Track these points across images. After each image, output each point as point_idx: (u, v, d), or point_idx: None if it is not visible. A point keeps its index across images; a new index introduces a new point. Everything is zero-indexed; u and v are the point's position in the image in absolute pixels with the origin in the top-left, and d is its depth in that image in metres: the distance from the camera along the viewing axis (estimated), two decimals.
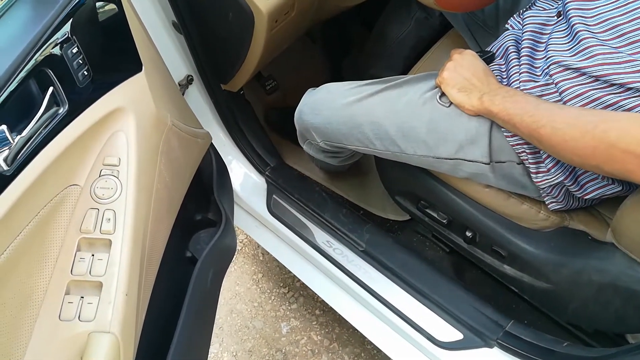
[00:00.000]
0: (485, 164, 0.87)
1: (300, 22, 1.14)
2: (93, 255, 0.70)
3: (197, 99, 1.27)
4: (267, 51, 1.09)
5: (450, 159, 0.88)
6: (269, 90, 1.43)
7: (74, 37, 0.70)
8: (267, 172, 1.35)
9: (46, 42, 0.66)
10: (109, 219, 0.72)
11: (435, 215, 1.03)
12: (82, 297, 0.68)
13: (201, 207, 1.14)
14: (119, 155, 0.76)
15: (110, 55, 0.78)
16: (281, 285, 1.56)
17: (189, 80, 1.22)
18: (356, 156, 1.15)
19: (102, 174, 0.74)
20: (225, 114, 1.30)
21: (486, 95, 0.82)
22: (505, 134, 0.84)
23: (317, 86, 1.04)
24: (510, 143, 0.85)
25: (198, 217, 1.13)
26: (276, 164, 1.37)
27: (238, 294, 1.55)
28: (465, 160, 0.88)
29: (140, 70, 0.82)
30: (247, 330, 1.48)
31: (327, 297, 1.26)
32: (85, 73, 0.72)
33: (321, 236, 1.22)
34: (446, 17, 1.19)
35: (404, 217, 1.30)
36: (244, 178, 1.35)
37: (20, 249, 0.62)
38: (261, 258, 1.63)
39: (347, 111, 0.92)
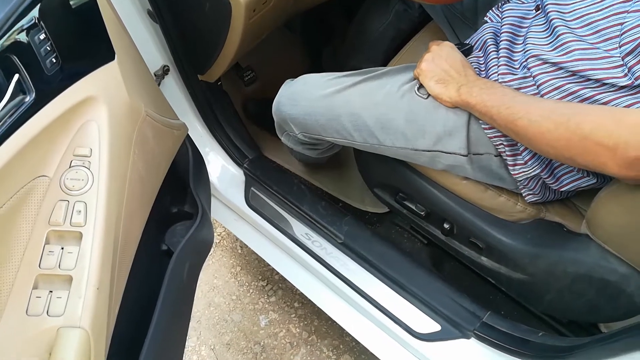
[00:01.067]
0: (463, 155, 0.87)
1: (279, 11, 1.12)
2: (63, 248, 0.68)
3: (174, 90, 1.25)
4: (244, 41, 1.07)
5: (429, 151, 0.88)
6: (247, 81, 1.41)
7: (41, 22, 0.67)
8: (245, 165, 1.34)
9: (11, 27, 0.64)
10: (80, 211, 0.70)
11: (413, 207, 1.03)
12: (51, 292, 0.66)
13: (177, 199, 1.12)
14: (90, 145, 0.73)
15: (80, 42, 0.76)
16: (260, 278, 1.55)
17: (165, 71, 1.20)
18: (335, 148, 1.14)
19: (72, 164, 0.72)
20: (202, 105, 1.28)
21: (464, 87, 0.82)
22: (483, 126, 0.84)
23: (297, 77, 1.03)
24: (488, 135, 0.85)
25: (174, 209, 1.11)
26: (254, 156, 1.36)
27: (216, 287, 1.54)
28: (443, 152, 0.88)
29: (112, 58, 0.80)
30: (225, 324, 1.47)
31: (305, 289, 1.25)
32: (54, 60, 0.69)
33: (300, 229, 1.21)
34: (425, 9, 1.19)
35: (383, 209, 1.30)
36: (222, 170, 1.33)
37: None
38: (240, 251, 1.61)
39: (326, 102, 0.91)
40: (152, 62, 1.17)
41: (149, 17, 1.10)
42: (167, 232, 1.08)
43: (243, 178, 1.34)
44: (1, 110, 0.62)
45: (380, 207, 1.31)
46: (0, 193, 0.62)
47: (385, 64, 1.31)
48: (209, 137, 1.32)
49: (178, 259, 0.97)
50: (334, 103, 0.91)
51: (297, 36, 1.60)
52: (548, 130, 0.69)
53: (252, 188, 1.32)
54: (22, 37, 0.65)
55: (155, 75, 1.19)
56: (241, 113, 1.48)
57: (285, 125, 1.03)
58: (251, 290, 1.53)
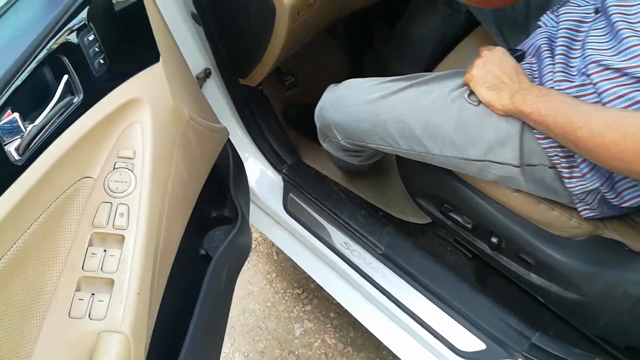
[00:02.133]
0: (515, 166, 0.83)
1: (323, 15, 1.10)
2: (105, 251, 0.67)
3: (215, 93, 1.25)
4: (287, 45, 1.06)
5: (479, 161, 0.84)
6: (288, 85, 1.39)
7: (90, 24, 0.67)
8: (284, 170, 1.32)
9: (62, 29, 0.64)
10: (122, 214, 0.69)
11: (459, 219, 0.99)
12: (93, 294, 0.65)
13: (217, 203, 1.12)
14: (134, 147, 0.73)
15: (127, 44, 0.75)
16: (295, 285, 1.53)
17: (206, 74, 1.19)
18: (377, 155, 1.11)
19: (116, 166, 0.71)
20: (242, 109, 1.27)
21: (517, 95, 0.78)
22: (537, 136, 0.80)
23: (338, 82, 1.00)
24: (542, 146, 0.80)
25: (213, 214, 1.11)
26: (293, 161, 1.34)
27: (251, 293, 1.52)
28: (494, 162, 0.83)
29: (157, 60, 0.79)
30: (260, 331, 1.45)
31: (342, 299, 1.22)
32: (102, 61, 0.69)
33: (338, 237, 1.19)
34: (473, 14, 1.15)
35: (425, 219, 1.26)
36: (260, 175, 1.32)
37: (30, 243, 0.60)
38: (275, 257, 1.60)
39: (371, 108, 0.89)
40: (194, 65, 1.17)
41: (192, 20, 1.10)
42: (206, 236, 1.07)
43: (281, 184, 1.32)
44: (50, 110, 0.61)
45: (422, 218, 1.27)
46: (48, 194, 0.62)
47: (429, 70, 1.27)
48: (248, 142, 1.31)
49: (217, 264, 0.96)
50: (379, 109, 0.88)
51: (338, 40, 1.58)
52: (613, 142, 0.65)
53: (290, 194, 1.30)
54: (72, 38, 0.65)
55: (197, 78, 1.18)
56: (281, 118, 1.47)
57: (328, 131, 1.01)
58: (286, 298, 1.51)
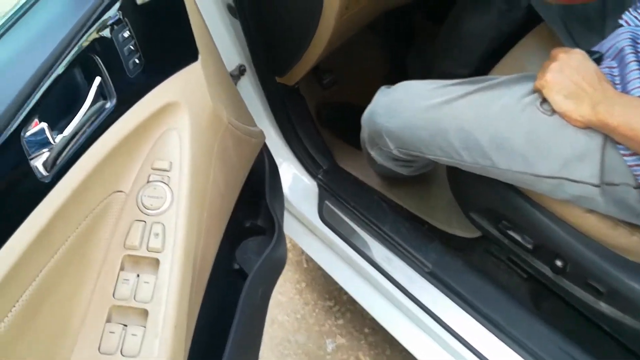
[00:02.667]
0: (594, 185, 0.73)
1: (371, 9, 1.01)
2: (138, 276, 0.60)
3: (248, 92, 1.16)
4: (332, 42, 0.97)
5: (552, 178, 0.75)
6: (325, 84, 1.30)
7: (125, 19, 0.59)
8: (319, 175, 1.24)
9: (94, 24, 0.56)
10: (157, 234, 0.61)
11: (519, 238, 0.90)
12: (125, 327, 0.58)
13: (251, 212, 1.04)
14: (170, 158, 0.65)
15: (164, 40, 0.67)
16: (327, 297, 1.44)
17: (241, 71, 1.11)
18: (430, 165, 1.02)
19: (150, 179, 0.63)
20: (277, 110, 1.18)
21: (601, 105, 0.68)
22: (622, 152, 0.70)
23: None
24: (628, 163, 0.70)
25: (247, 223, 1.03)
26: (329, 166, 1.26)
27: (280, 304, 1.45)
28: (569, 180, 0.74)
29: (196, 59, 0.71)
30: (289, 345, 1.38)
31: (381, 317, 1.14)
32: (137, 61, 0.61)
33: (379, 251, 1.10)
34: (537, 10, 1.05)
35: (473, 233, 1.17)
36: (294, 181, 1.24)
37: (58, 268, 0.52)
38: (305, 266, 1.52)
39: (430, 115, 0.79)
40: (228, 61, 1.09)
41: (228, 12, 1.02)
42: (239, 247, 1.00)
43: (316, 190, 1.24)
44: (81, 118, 0.53)
45: (470, 231, 1.18)
46: (77, 213, 0.54)
47: (481, 70, 1.18)
48: (282, 145, 1.23)
49: (252, 282, 0.88)
50: (440, 116, 0.79)
51: (377, 36, 1.49)
52: None
53: (326, 201, 1.22)
54: (106, 34, 0.57)
55: (231, 75, 1.10)
56: (315, 118, 1.38)
57: (379, 139, 0.92)
58: (317, 310, 1.42)
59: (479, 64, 1.19)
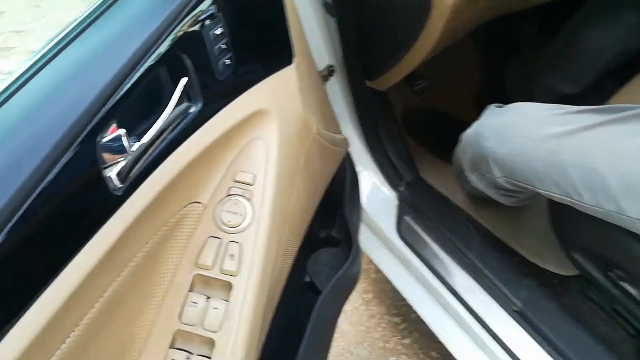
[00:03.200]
0: None
1: (481, 15, 0.91)
2: (208, 299, 0.54)
3: (335, 94, 1.09)
4: (434, 49, 0.87)
5: None
6: (417, 90, 1.21)
7: (219, 13, 0.53)
8: (400, 187, 1.15)
9: (185, 17, 0.50)
10: (233, 256, 0.55)
11: (634, 293, 0.77)
12: (190, 355, 0.52)
13: (326, 222, 0.97)
14: (254, 171, 0.59)
15: (259, 41, 0.61)
16: (394, 312, 1.36)
17: (329, 72, 1.04)
18: (538, 197, 0.90)
19: (230, 192, 0.58)
20: (363, 115, 1.10)
21: None
22: None
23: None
24: None
25: (322, 234, 0.96)
26: (412, 178, 1.17)
27: (344, 311, 1.37)
28: None
29: (290, 62, 0.64)
30: (350, 357, 1.31)
31: (454, 348, 1.04)
32: (228, 62, 0.55)
33: (461, 279, 1.00)
34: None
35: (569, 271, 1.04)
36: (374, 191, 1.16)
37: (124, 286, 0.47)
38: (373, 275, 1.44)
39: (548, 145, 0.68)
40: (318, 61, 1.02)
41: (324, 9, 0.94)
42: (310, 258, 0.94)
43: (396, 203, 1.15)
44: (163, 123, 0.48)
45: (565, 268, 1.05)
46: (150, 227, 0.50)
47: (595, 90, 1.04)
48: (364, 152, 1.15)
49: (325, 301, 0.81)
50: (560, 147, 0.68)
51: (476, 41, 1.36)
52: None
53: (405, 216, 1.13)
54: (196, 30, 0.51)
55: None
56: (400, 125, 1.29)
57: (482, 164, 0.81)
58: (383, 325, 1.34)
59: (593, 82, 1.05)
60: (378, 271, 1.42)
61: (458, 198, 1.18)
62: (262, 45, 0.61)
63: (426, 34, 0.83)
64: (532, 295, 0.92)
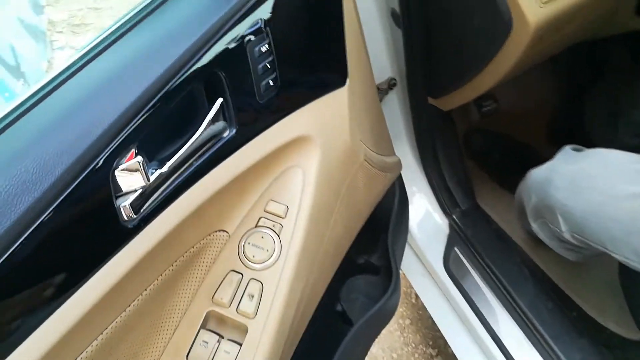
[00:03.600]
0: None
1: (568, 40, 0.81)
2: (220, 340, 0.49)
3: (393, 109, 1.02)
4: (510, 73, 0.78)
5: None
6: (485, 112, 1.11)
7: (267, 28, 0.47)
8: (453, 215, 1.07)
9: (228, 32, 0.45)
10: (252, 296, 0.50)
11: None
12: None
13: (367, 247, 0.91)
14: (287, 202, 0.53)
15: (309, 60, 0.55)
16: (430, 344, 1.28)
17: (390, 85, 0.97)
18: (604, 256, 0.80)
19: (259, 224, 0.53)
20: (422, 134, 1.03)
21: None
22: None
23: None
24: None
25: (360, 260, 0.90)
26: (468, 207, 1.08)
27: None
28: None
29: (343, 83, 0.58)
30: None
31: None
32: (271, 83, 0.49)
33: (508, 327, 0.91)
34: None
35: (633, 334, 0.93)
36: (424, 216, 1.08)
37: (130, 320, 0.43)
38: (413, 301, 1.36)
39: (631, 206, 0.59)
40: (379, 73, 0.95)
41: (390, 19, 0.87)
42: (345, 283, 0.88)
43: (447, 231, 1.07)
44: (188, 149, 0.43)
45: (628, 330, 0.94)
46: (166, 259, 0.45)
47: None
48: (419, 173, 1.07)
49: (357, 335, 0.75)
50: None
51: (557, 65, 1.24)
52: None
53: (455, 247, 1.05)
54: (239, 46, 0.46)
55: (378, 88, 0.96)
56: (461, 145, 1.20)
57: (548, 214, 0.72)
58: (416, 355, 1.27)
59: None
60: (419, 296, 1.34)
61: (516, 233, 1.08)
62: (312, 65, 0.55)
63: (502, 57, 0.74)
64: (587, 358, 0.83)
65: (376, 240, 0.93)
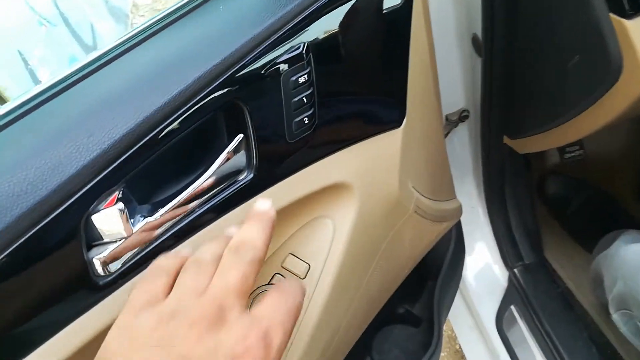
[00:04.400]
0: None
1: None
2: None
3: (461, 143, 0.91)
4: (610, 124, 0.65)
5: None
6: (568, 158, 0.97)
7: (310, 55, 0.39)
8: (515, 269, 0.94)
9: (262, 57, 0.37)
10: None
11: None
12: None
13: (410, 294, 0.81)
14: (310, 259, 0.45)
15: (359, 94, 0.45)
16: None
17: (461, 117, 0.85)
18: None
19: (272, 282, 0.44)
20: (490, 174, 0.90)
21: None
22: None
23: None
24: None
25: (400, 309, 0.80)
26: (533, 261, 0.95)
27: None
28: None
29: (398, 124, 0.48)
30: None
31: None
32: (306, 121, 0.40)
33: None
34: None
35: None
36: (482, 268, 0.96)
37: None
38: (457, 347, 1.24)
39: None
40: (449, 103, 0.84)
41: (471, 46, 0.76)
42: (380, 331, 0.79)
43: (504, 285, 0.94)
44: (196, 188, 0.36)
45: None
46: None
47: None
48: (482, 218, 0.95)
49: None
50: None
51: None
52: None
53: (512, 306, 0.92)
54: (271, 74, 0.37)
55: (446, 119, 0.85)
56: (534, 189, 1.07)
57: (636, 307, 0.59)
58: None
59: None
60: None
61: (587, 299, 0.94)
62: (362, 101, 0.45)
63: (602, 107, 0.61)
64: None
65: (421, 287, 0.83)
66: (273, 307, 0.29)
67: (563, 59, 0.62)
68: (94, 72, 0.35)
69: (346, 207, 0.46)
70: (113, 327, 0.28)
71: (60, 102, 0.33)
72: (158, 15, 0.38)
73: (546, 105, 0.70)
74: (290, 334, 0.29)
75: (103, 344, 0.27)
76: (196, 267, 0.29)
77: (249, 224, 0.32)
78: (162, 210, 0.34)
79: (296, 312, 0.30)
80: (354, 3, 0.40)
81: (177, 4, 0.39)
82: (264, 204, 0.33)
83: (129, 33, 0.37)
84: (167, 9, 0.39)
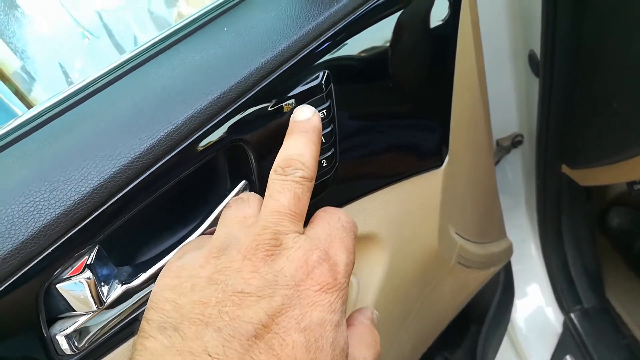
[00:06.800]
0: None
1: None
2: None
3: (513, 171, 0.82)
4: None
5: None
6: (636, 191, 0.86)
7: (330, 86, 0.32)
8: (572, 313, 0.84)
9: (269, 90, 0.30)
10: None
11: None
12: None
13: (452, 338, 0.72)
14: None
15: (390, 131, 0.38)
16: None
17: (514, 142, 0.77)
18: None
19: None
20: (546, 206, 0.81)
21: None
22: None
23: None
24: None
25: (439, 356, 0.72)
26: (593, 306, 0.84)
27: None
28: None
29: (438, 164, 0.41)
30: None
31: None
32: (324, 164, 0.34)
33: None
34: None
35: None
36: (534, 312, 0.86)
37: None
38: None
39: None
40: (501, 127, 0.75)
41: (527, 64, 0.67)
42: None
43: (559, 331, 0.84)
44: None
45: None
46: None
47: None
48: (535, 253, 0.85)
49: None
50: None
51: None
52: None
53: (567, 356, 0.82)
54: (280, 110, 0.31)
55: (497, 143, 0.77)
56: (595, 221, 0.96)
57: None
58: None
59: None
60: None
61: None
62: (394, 137, 0.38)
63: None
64: None
65: (464, 333, 0.74)
66: (324, 225, 0.26)
67: (636, 81, 0.53)
68: (65, 112, 0.29)
69: (374, 263, 0.38)
70: (157, 279, 0.25)
71: (20, 149, 0.28)
72: (147, 42, 0.32)
73: (613, 134, 0.60)
74: (354, 252, 0.26)
75: (149, 299, 0.24)
76: (239, 201, 0.27)
77: (292, 137, 0.28)
78: (144, 275, 0.28)
79: (351, 228, 0.27)
80: (399, 17, 0.33)
81: (172, 26, 0.34)
82: (304, 111, 0.29)
83: (108, 66, 0.32)
84: (161, 33, 0.33)
